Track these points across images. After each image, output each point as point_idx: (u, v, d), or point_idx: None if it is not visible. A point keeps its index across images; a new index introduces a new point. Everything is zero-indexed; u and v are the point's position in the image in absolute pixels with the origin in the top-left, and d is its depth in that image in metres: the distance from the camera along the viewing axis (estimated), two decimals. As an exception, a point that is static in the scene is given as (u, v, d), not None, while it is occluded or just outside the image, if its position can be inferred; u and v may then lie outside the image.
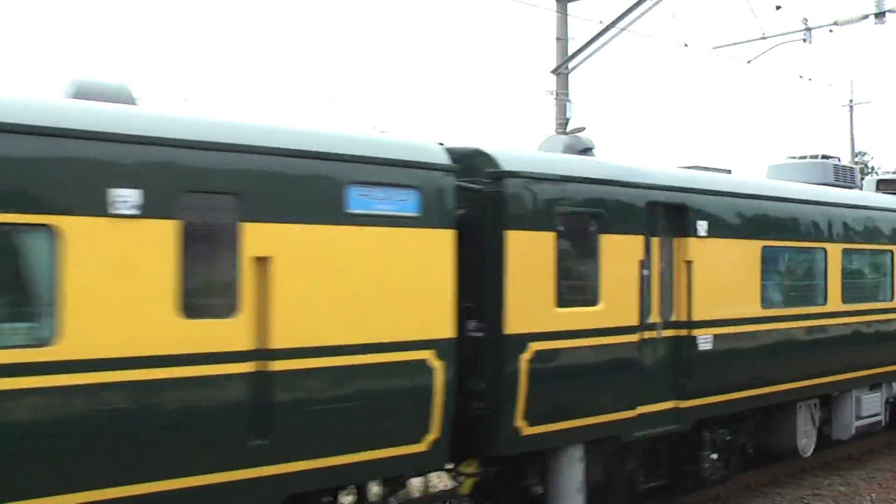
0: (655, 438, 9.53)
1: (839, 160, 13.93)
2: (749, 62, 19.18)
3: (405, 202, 7.25)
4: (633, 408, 9.12)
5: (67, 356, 5.56)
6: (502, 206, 8.01)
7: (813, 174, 13.14)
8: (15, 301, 5.60)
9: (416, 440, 7.31)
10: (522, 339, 8.04)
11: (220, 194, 6.27)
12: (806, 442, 11.91)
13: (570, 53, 18.06)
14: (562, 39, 18.09)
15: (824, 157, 13.70)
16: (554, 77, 18.09)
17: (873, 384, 12.71)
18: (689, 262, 9.73)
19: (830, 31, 17.78)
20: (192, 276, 6.10)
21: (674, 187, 9.66)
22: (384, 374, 7.07)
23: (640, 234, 9.24)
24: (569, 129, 17.59)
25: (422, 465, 7.50)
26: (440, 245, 7.46)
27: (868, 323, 12.36)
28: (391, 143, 7.43)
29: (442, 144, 7.89)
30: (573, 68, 18.10)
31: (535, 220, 8.20)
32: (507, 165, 8.13)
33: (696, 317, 9.74)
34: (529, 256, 8.14)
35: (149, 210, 5.89)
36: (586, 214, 8.72)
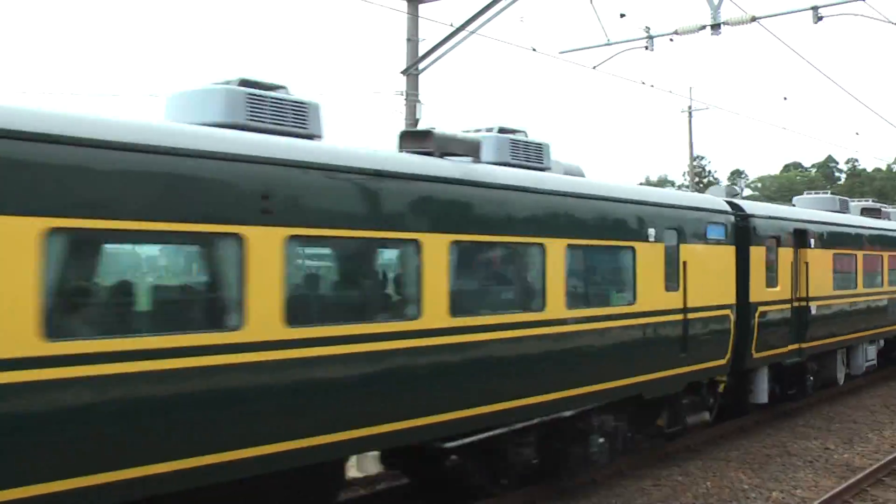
0: (786, 364, 16.45)
1: (839, 195, 21.56)
2: (594, 67, 19.15)
3: (720, 231, 13.87)
4: (786, 346, 16.01)
5: (640, 309, 11.81)
6: (747, 233, 14.80)
7: (825, 204, 20.47)
8: (624, 282, 11.83)
9: (723, 357, 13.88)
10: (757, 305, 14.86)
11: (673, 230, 12.61)
12: (840, 375, 19.25)
13: (420, 54, 18.10)
14: (412, 40, 18.08)
15: (833, 193, 21.29)
16: (404, 78, 18.26)
17: (871, 340, 20.30)
18: (806, 263, 16.75)
19: (671, 40, 18.29)
20: (667, 271, 12.43)
21: (802, 220, 16.73)
22: (716, 321, 13.62)
23: (791, 247, 16.19)
24: (419, 129, 19.07)
25: (723, 371, 14.08)
26: (731, 254, 14.16)
27: (874, 300, 19.94)
28: (714, 200, 14.19)
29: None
30: (423, 69, 18.14)
31: (759, 240, 15.06)
32: (749, 210, 14.99)
33: (811, 295, 16.80)
34: (758, 260, 14.96)
35: (655, 238, 12.15)
36: (774, 236, 15.58)
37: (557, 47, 20.59)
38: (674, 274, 12.61)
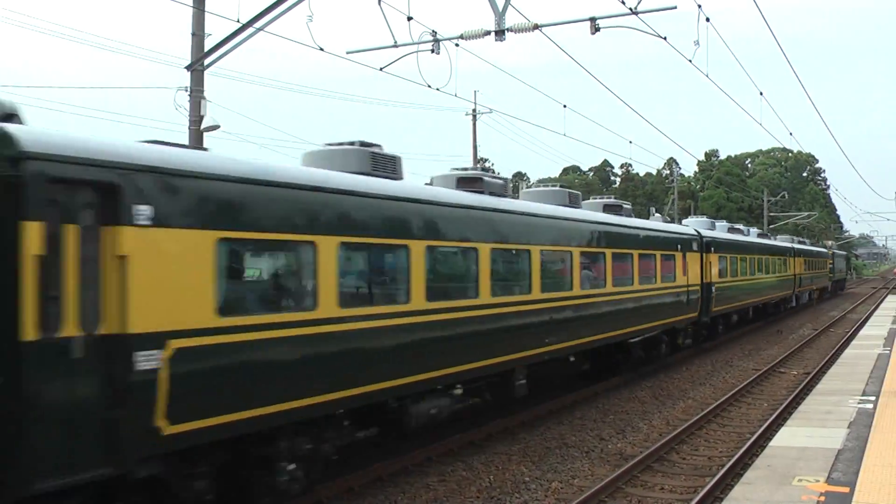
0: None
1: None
2: (381, 69, 18.91)
3: (694, 244, 24.34)
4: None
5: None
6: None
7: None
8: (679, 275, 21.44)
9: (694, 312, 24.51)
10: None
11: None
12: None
13: (206, 50, 17.53)
14: (198, 35, 17.43)
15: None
16: (189, 73, 17.63)
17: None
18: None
19: (457, 44, 18.25)
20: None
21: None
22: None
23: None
24: (203, 126, 17.43)
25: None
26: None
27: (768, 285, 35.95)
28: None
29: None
30: (209, 65, 17.58)
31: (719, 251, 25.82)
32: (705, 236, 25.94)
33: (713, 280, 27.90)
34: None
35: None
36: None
37: (346, 47, 20.28)
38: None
